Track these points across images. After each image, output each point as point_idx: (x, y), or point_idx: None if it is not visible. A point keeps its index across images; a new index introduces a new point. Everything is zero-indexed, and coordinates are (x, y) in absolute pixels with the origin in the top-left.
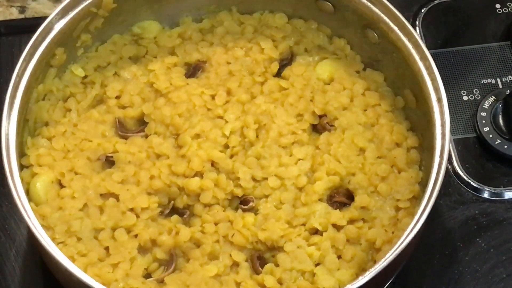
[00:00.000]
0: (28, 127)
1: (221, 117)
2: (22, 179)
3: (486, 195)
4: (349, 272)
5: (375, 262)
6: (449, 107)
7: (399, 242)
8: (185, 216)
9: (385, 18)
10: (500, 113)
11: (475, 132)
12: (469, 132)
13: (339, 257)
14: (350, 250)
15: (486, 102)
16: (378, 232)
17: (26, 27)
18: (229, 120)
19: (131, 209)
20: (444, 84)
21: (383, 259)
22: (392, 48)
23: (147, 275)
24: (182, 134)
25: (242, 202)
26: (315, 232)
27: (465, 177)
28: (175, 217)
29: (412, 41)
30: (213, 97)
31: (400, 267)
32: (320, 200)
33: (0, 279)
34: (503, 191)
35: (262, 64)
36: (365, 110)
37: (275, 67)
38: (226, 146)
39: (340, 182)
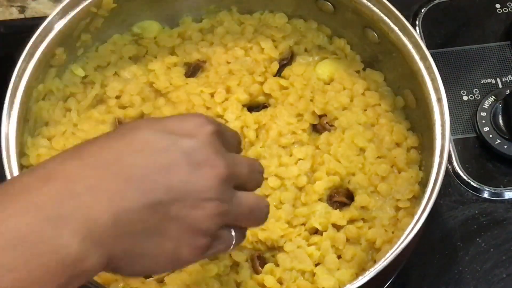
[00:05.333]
0: (28, 127)
1: (220, 116)
2: None
3: (486, 195)
4: (349, 272)
5: (375, 262)
6: (449, 107)
7: (399, 242)
8: None
9: (385, 18)
10: (500, 113)
11: (475, 132)
12: (469, 132)
13: (339, 257)
14: (350, 250)
15: (486, 102)
16: (378, 232)
17: (26, 27)
18: (229, 119)
19: None
20: (444, 84)
21: (383, 259)
22: (392, 48)
23: (147, 275)
24: None
25: None
26: (315, 232)
27: (465, 177)
28: None
29: (412, 41)
30: (212, 95)
31: (400, 267)
32: (320, 200)
33: None
34: (503, 191)
35: (262, 64)
36: (365, 110)
37: (275, 67)
38: None
39: (340, 182)
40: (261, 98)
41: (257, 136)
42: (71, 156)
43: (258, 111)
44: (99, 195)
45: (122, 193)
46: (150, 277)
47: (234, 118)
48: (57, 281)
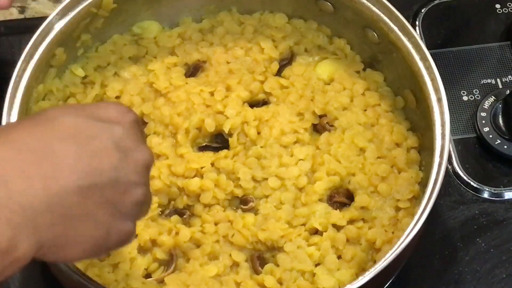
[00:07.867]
0: None
1: (221, 113)
2: None
3: (486, 195)
4: (349, 272)
5: (375, 262)
6: (449, 107)
7: (399, 242)
8: (185, 216)
9: (385, 18)
10: (500, 113)
11: (475, 132)
12: (469, 132)
13: (339, 257)
14: (350, 250)
15: (486, 102)
16: (378, 232)
17: (26, 27)
18: (229, 115)
19: None
20: (444, 84)
21: (383, 259)
22: (392, 48)
23: (147, 275)
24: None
25: (242, 202)
26: (315, 232)
27: (465, 177)
28: (175, 217)
29: (412, 41)
30: (212, 94)
31: (400, 267)
32: (320, 200)
33: None
34: (503, 191)
35: (262, 64)
36: (365, 110)
37: (275, 67)
38: None
39: (340, 182)
40: (261, 96)
41: (259, 133)
42: None
43: (259, 107)
44: (31, 180)
45: (56, 177)
46: (150, 277)
47: (235, 114)
48: None
